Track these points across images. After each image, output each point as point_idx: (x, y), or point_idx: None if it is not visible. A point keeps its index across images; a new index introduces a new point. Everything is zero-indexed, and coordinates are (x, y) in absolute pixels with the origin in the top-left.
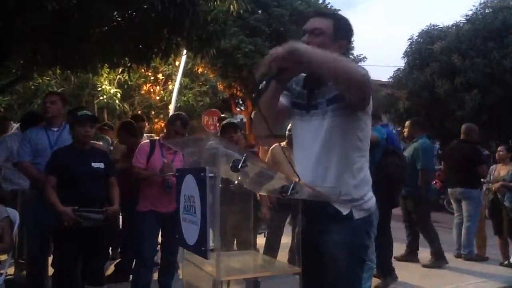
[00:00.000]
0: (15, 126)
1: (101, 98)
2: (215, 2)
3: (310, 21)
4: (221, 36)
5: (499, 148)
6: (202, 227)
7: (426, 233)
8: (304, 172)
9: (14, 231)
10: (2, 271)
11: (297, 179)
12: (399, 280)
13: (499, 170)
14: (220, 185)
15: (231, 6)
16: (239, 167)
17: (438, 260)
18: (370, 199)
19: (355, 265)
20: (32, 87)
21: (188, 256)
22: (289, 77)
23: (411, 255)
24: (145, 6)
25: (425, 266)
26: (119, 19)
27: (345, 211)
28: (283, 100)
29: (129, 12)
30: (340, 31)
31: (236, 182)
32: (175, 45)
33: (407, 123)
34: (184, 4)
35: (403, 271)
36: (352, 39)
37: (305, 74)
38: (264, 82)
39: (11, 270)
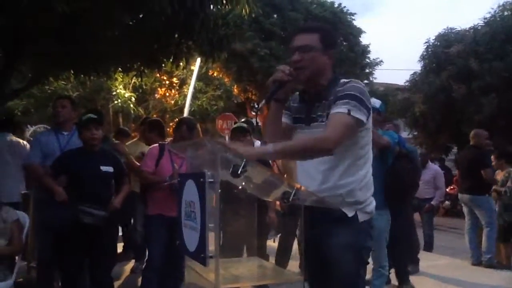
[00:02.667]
0: (31, 129)
1: (115, 102)
2: (227, 6)
3: (296, 39)
4: (232, 40)
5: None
6: (201, 234)
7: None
8: (311, 179)
9: (24, 233)
10: (12, 274)
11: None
12: None
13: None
14: (223, 191)
15: (243, 10)
16: (239, 172)
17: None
18: (372, 203)
19: (360, 266)
20: (49, 91)
21: (190, 263)
22: (286, 96)
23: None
24: (153, 9)
25: None
26: (130, 23)
27: (350, 213)
28: (285, 119)
29: (140, 16)
30: (328, 42)
31: (240, 187)
32: (186, 49)
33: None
34: (194, 7)
35: (417, 278)
36: (366, 43)
37: (299, 90)
38: (263, 101)
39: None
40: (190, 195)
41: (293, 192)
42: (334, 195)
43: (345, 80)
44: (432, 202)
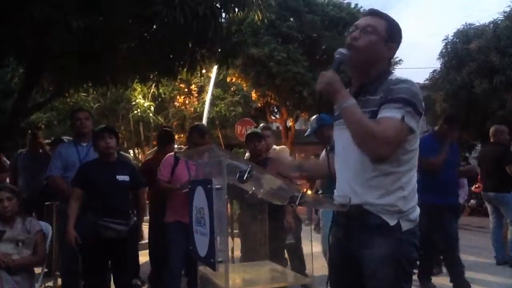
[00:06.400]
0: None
1: (135, 111)
2: (239, 13)
3: (363, 18)
4: (246, 47)
5: None
6: (211, 239)
7: None
8: (344, 183)
9: (47, 243)
10: (37, 284)
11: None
12: None
13: None
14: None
15: (256, 17)
16: (244, 178)
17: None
18: (416, 210)
19: (401, 279)
20: (70, 103)
21: (202, 268)
22: None
23: None
24: (166, 20)
25: None
26: (145, 34)
27: (392, 222)
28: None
29: (154, 27)
30: (392, 34)
31: (250, 192)
32: (200, 57)
33: None
34: (207, 16)
35: (441, 279)
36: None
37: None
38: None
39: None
40: (199, 201)
41: (300, 195)
42: (372, 203)
43: (399, 78)
44: (459, 201)
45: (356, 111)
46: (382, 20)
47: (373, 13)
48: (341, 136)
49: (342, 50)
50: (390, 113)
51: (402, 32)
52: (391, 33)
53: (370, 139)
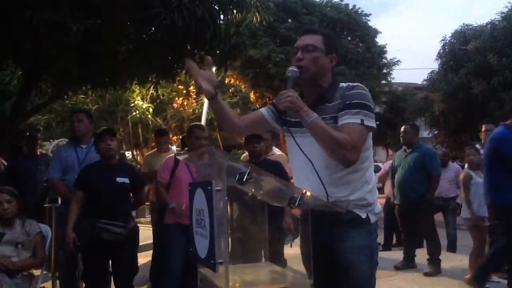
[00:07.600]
0: (53, 143)
1: (134, 113)
2: (237, 15)
3: (301, 39)
4: (244, 49)
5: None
6: (211, 240)
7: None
8: (316, 185)
9: (46, 246)
10: (37, 286)
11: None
12: None
13: None
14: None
15: (254, 18)
16: (244, 180)
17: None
18: (378, 204)
19: (373, 268)
20: (69, 105)
21: (202, 270)
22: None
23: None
24: (165, 22)
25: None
26: (144, 36)
27: (363, 215)
28: (266, 113)
29: (152, 29)
30: (330, 46)
31: (250, 193)
32: (199, 59)
33: (404, 128)
34: (205, 18)
35: (439, 279)
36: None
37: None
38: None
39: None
40: (199, 203)
41: (299, 197)
42: (342, 200)
43: (351, 84)
44: (458, 201)
45: (321, 124)
46: (318, 36)
47: (308, 31)
48: (305, 142)
49: (292, 68)
50: (351, 119)
51: (400, 33)
52: (328, 45)
53: (339, 149)
